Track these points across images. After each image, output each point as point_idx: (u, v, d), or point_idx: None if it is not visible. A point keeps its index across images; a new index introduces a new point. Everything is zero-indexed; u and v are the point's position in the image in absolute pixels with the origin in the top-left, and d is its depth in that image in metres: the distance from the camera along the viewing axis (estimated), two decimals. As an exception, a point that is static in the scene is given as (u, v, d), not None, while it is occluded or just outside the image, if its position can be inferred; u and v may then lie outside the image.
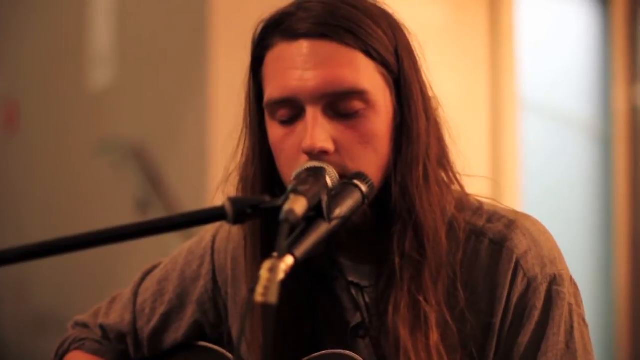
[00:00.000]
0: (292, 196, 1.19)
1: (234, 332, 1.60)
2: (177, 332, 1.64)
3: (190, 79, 3.85)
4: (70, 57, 4.53)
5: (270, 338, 1.09)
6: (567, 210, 5.41)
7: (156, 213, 3.74)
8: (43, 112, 4.71)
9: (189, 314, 1.64)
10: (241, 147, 1.47)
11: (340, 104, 1.34)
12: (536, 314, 1.40)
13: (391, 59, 1.38)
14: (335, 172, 1.32)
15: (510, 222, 1.44)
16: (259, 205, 1.20)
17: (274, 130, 1.39)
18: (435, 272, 1.38)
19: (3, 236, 4.69)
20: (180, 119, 3.90)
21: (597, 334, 4.96)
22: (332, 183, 1.30)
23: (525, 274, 1.40)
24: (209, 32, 3.71)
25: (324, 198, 1.24)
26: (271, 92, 1.37)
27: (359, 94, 1.34)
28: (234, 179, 1.48)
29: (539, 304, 1.40)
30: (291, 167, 1.35)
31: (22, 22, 4.79)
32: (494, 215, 1.46)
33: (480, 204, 1.48)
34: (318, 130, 1.33)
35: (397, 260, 1.37)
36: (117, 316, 1.68)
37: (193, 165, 3.80)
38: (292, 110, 1.36)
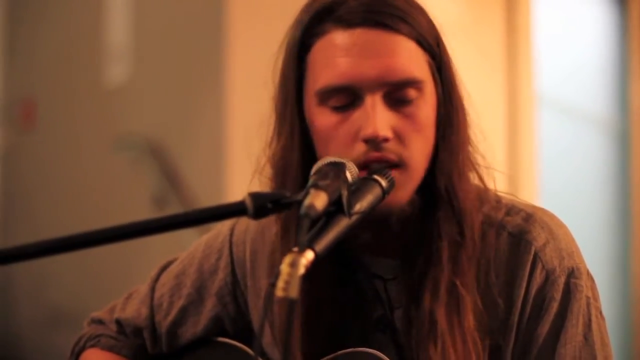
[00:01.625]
0: (312, 191, 1.20)
1: (255, 324, 1.60)
2: (195, 326, 1.64)
3: (206, 75, 3.86)
4: (86, 54, 4.55)
5: (291, 332, 1.09)
6: (584, 205, 5.40)
7: (173, 209, 3.75)
8: (60, 109, 4.72)
9: (208, 307, 1.63)
10: (276, 134, 1.47)
11: (398, 93, 1.37)
12: (555, 305, 1.41)
13: (436, 49, 1.41)
14: (355, 167, 1.32)
15: (529, 216, 1.46)
16: (279, 200, 1.21)
17: (324, 117, 1.39)
18: (471, 255, 1.41)
19: (20, 232, 4.71)
20: (197, 115, 3.90)
21: (614, 327, 4.94)
22: (352, 178, 1.30)
23: (543, 267, 1.42)
24: (226, 28, 3.72)
25: (344, 193, 1.24)
26: (327, 79, 1.37)
27: (415, 83, 1.37)
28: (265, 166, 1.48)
29: (558, 296, 1.41)
30: (343, 154, 1.35)
31: (38, 20, 4.81)
32: (512, 209, 1.47)
33: (499, 197, 1.50)
34: (379, 118, 1.34)
35: (442, 243, 1.40)
36: (134, 310, 1.68)
37: (210, 161, 3.81)
38: (348, 97, 1.37)
